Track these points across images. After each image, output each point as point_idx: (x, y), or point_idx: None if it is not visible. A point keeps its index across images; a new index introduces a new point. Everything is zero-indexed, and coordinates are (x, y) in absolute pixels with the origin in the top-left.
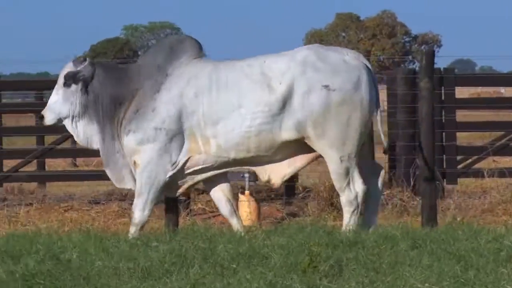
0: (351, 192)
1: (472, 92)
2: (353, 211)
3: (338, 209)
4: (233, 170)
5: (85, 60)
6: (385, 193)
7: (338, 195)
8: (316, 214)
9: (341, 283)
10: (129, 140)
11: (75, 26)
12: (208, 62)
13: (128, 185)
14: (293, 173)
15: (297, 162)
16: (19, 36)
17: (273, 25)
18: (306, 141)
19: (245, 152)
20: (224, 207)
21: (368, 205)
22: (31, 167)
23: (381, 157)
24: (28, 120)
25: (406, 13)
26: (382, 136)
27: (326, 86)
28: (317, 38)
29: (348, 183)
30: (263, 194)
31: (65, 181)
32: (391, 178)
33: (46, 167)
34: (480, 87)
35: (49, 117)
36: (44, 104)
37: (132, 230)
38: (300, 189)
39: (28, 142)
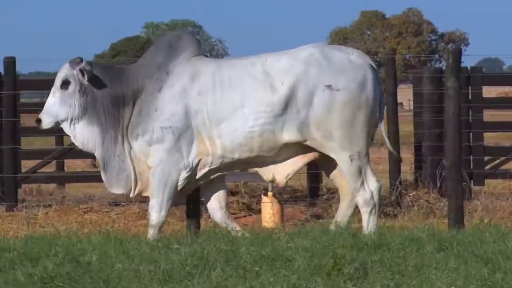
0: (366, 191)
1: (500, 91)
2: (371, 211)
3: None
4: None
5: (81, 61)
6: (411, 194)
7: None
8: None
9: (366, 286)
10: (139, 145)
11: (96, 24)
12: (209, 60)
13: (120, 190)
14: (296, 171)
15: (300, 161)
16: (38, 34)
17: (298, 23)
18: (310, 143)
19: (248, 153)
20: (218, 217)
21: (349, 203)
22: (50, 168)
23: (406, 158)
24: None
25: (433, 10)
26: (386, 138)
27: (330, 86)
28: (341, 36)
29: (362, 183)
30: (287, 195)
31: (85, 182)
32: (417, 179)
33: (65, 168)
34: (508, 87)
35: (47, 121)
36: None
37: (151, 232)
38: (324, 190)
39: (47, 143)
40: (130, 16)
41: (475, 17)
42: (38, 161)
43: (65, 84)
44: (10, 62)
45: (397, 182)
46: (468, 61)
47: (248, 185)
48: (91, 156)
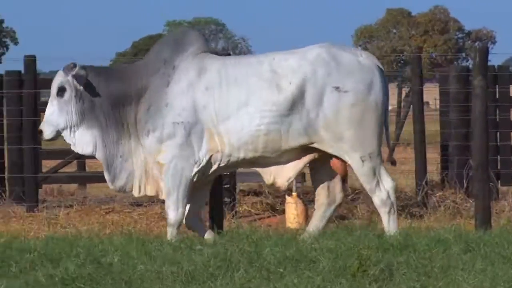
0: (382, 191)
1: None
2: (389, 211)
3: None
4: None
5: (75, 66)
6: (437, 194)
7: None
8: (365, 217)
9: None
10: (150, 142)
11: (118, 22)
12: (215, 57)
13: (121, 189)
14: (297, 175)
15: (300, 163)
16: (59, 33)
17: (322, 21)
18: (318, 145)
19: (253, 152)
20: (189, 218)
21: (322, 214)
22: (71, 168)
23: (433, 157)
24: None
25: (459, 8)
26: (389, 140)
27: (338, 88)
28: (366, 34)
29: (378, 183)
30: (311, 195)
31: (106, 182)
32: (444, 179)
33: (86, 168)
34: None
35: (48, 131)
36: None
37: (170, 231)
38: (349, 190)
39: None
40: (152, 14)
41: (503, 15)
42: (59, 161)
43: (61, 91)
44: (31, 61)
45: (423, 183)
46: (495, 59)
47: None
48: None
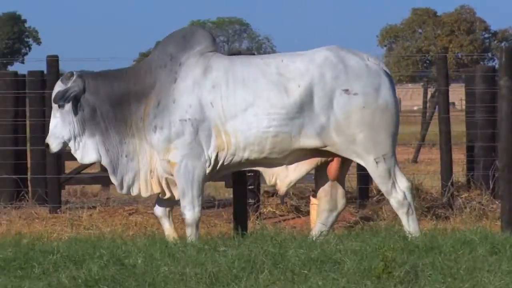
0: (398, 192)
1: None
2: (407, 212)
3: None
4: None
5: (72, 75)
6: (463, 196)
7: (414, 199)
8: (391, 218)
9: None
10: (158, 139)
11: (141, 22)
12: (223, 56)
13: (128, 191)
14: (298, 179)
15: (302, 168)
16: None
17: (347, 21)
18: (331, 148)
19: (258, 153)
20: (160, 208)
21: (324, 221)
22: (94, 169)
23: (459, 158)
24: None
25: (485, 8)
26: None
27: (347, 90)
28: (392, 34)
29: (393, 184)
30: None
31: None
32: (470, 181)
33: None
34: None
35: (54, 144)
36: None
37: (189, 231)
38: (375, 191)
39: None
40: (176, 13)
41: None
42: None
43: (60, 103)
44: (54, 61)
45: (449, 184)
46: None
47: (296, 186)
48: None
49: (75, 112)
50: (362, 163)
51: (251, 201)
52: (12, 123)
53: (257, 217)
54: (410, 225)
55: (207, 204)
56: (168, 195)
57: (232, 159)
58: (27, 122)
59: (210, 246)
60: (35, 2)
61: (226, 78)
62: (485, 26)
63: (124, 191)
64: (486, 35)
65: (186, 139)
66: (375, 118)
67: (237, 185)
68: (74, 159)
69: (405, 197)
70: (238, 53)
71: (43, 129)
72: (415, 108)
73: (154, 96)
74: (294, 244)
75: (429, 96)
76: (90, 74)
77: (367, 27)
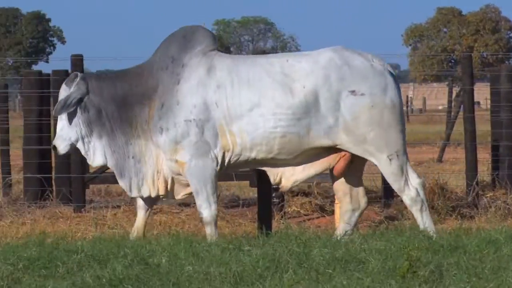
0: (411, 189)
1: None
2: (421, 208)
3: (439, 213)
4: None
5: (76, 77)
6: (488, 195)
7: (438, 198)
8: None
9: None
10: (164, 140)
11: (166, 22)
12: (225, 55)
13: (138, 193)
14: (305, 179)
15: (311, 169)
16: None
17: (372, 20)
18: (342, 147)
19: (266, 153)
20: (142, 205)
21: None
22: None
23: (484, 158)
24: None
25: (511, 7)
26: None
27: (353, 91)
28: (417, 33)
29: (406, 181)
30: None
31: None
32: (495, 180)
33: None
34: None
35: (61, 146)
36: None
37: (208, 230)
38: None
39: None
40: (200, 13)
41: None
42: None
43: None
44: (78, 60)
45: (474, 183)
46: None
47: (321, 186)
48: None
49: (81, 114)
50: (375, 162)
51: (275, 200)
52: (37, 122)
53: (282, 217)
54: (424, 221)
55: (232, 203)
56: (170, 196)
57: (237, 159)
58: (51, 122)
59: (234, 246)
60: (60, 1)
61: (230, 78)
62: (510, 26)
63: (134, 193)
64: (511, 34)
65: (192, 139)
66: (384, 117)
67: (262, 184)
68: None
69: (418, 194)
70: (263, 52)
71: None
72: (440, 107)
73: (157, 99)
74: (319, 243)
75: (454, 95)
76: (94, 75)
77: (392, 26)
